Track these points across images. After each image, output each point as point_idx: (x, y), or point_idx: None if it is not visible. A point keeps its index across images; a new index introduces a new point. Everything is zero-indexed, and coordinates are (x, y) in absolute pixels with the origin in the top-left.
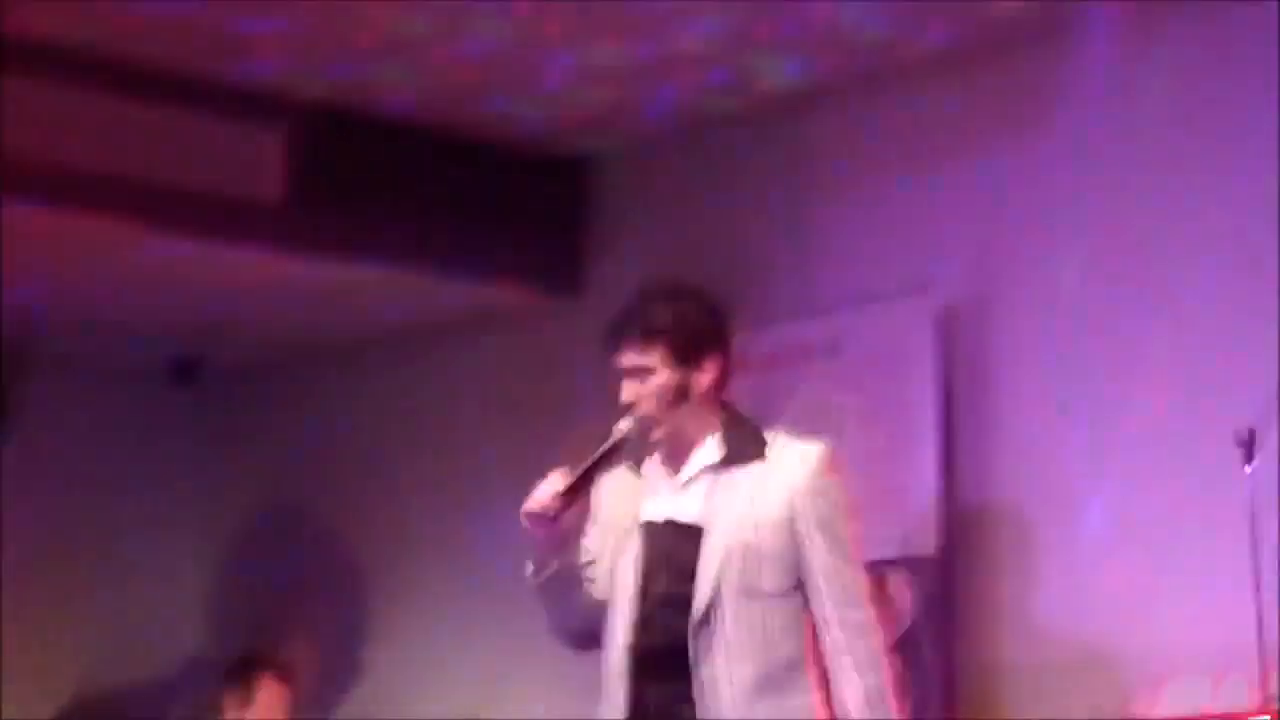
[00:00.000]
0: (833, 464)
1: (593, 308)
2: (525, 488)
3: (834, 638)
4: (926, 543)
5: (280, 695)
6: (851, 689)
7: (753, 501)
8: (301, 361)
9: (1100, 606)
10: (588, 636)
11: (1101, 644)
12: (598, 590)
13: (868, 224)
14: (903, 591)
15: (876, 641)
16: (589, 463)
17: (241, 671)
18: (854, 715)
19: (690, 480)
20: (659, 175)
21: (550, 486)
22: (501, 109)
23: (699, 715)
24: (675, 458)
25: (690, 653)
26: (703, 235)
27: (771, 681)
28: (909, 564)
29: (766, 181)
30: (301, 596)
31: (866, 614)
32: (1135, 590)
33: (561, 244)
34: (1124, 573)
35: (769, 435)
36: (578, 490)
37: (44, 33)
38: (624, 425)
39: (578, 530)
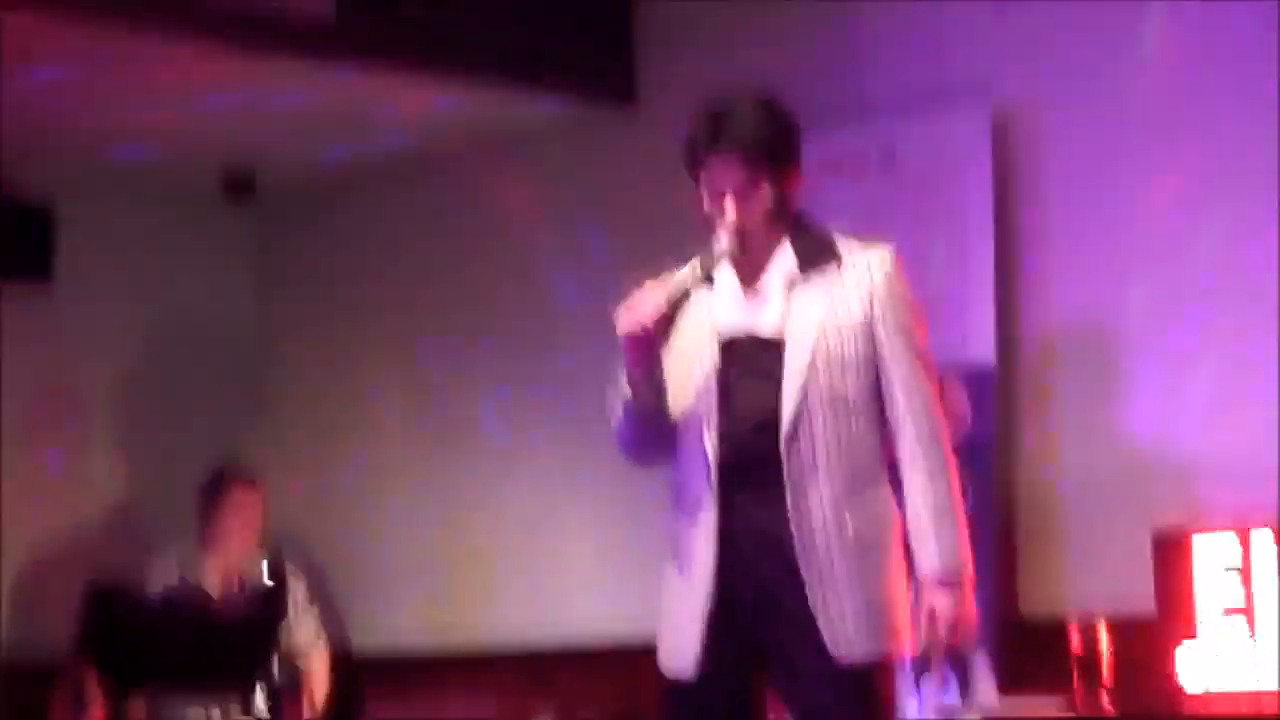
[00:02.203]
0: (901, 266)
1: (646, 115)
2: (588, 297)
3: (910, 446)
4: (984, 351)
5: (248, 502)
6: (923, 496)
7: (831, 308)
8: (354, 178)
9: (1161, 417)
10: (652, 446)
11: (1163, 455)
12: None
13: (921, 27)
14: (960, 397)
15: (947, 449)
16: (688, 280)
17: (215, 483)
18: (925, 523)
19: (765, 291)
20: None
21: (650, 305)
22: None
23: (791, 523)
24: (749, 269)
25: (784, 464)
26: (753, 42)
27: (856, 486)
28: (966, 370)
29: None
30: (358, 409)
31: (938, 422)
32: (1199, 403)
33: (612, 53)
34: (1178, 388)
35: (833, 234)
36: (674, 307)
37: None
38: (725, 244)
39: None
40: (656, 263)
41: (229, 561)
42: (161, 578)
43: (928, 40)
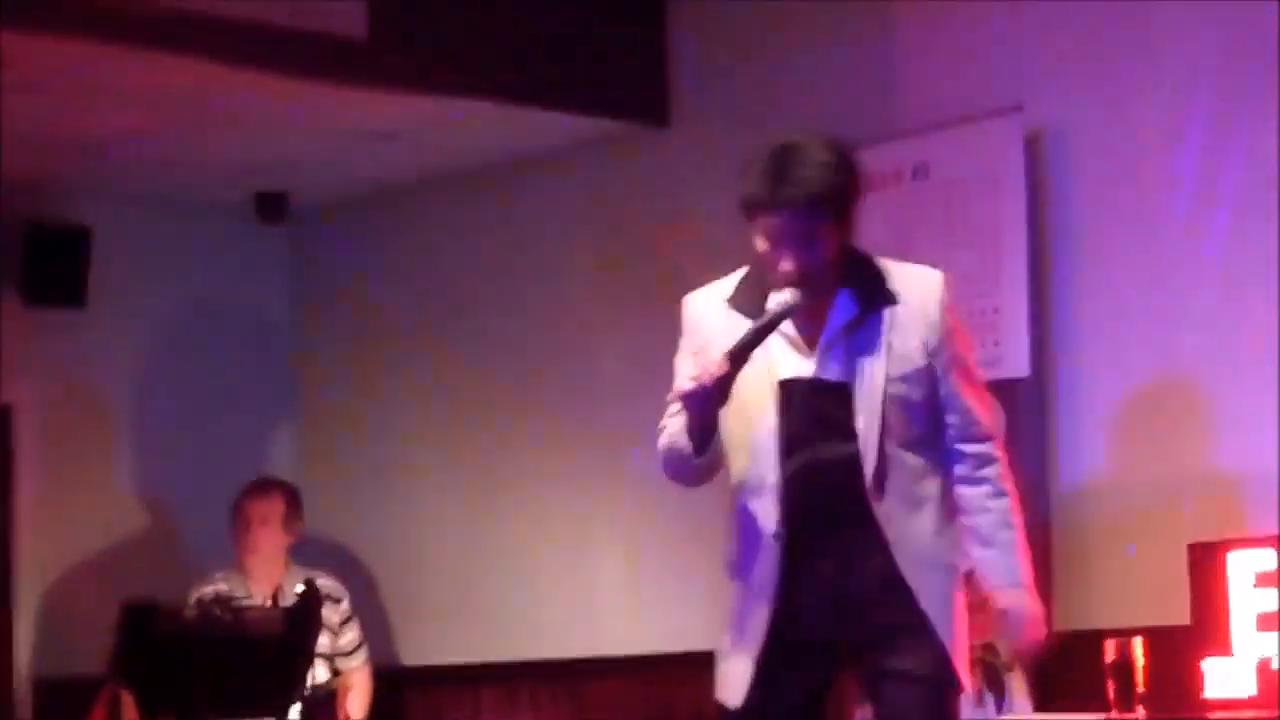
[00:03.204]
0: (951, 291)
1: (681, 135)
2: (620, 319)
3: (968, 468)
4: (1019, 364)
5: (268, 510)
6: (985, 516)
7: (893, 350)
8: (388, 195)
9: (1199, 431)
10: (702, 478)
11: (1199, 469)
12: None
13: (954, 46)
14: (997, 415)
15: (1005, 468)
16: (750, 335)
17: (237, 498)
18: (990, 536)
19: (826, 335)
20: (740, 4)
21: (713, 365)
22: None
23: (899, 560)
24: (806, 313)
25: (871, 509)
26: (786, 60)
27: (936, 520)
28: (1001, 386)
29: (847, 7)
30: (394, 425)
31: (995, 444)
32: (1231, 412)
33: (647, 75)
34: (1214, 398)
35: (884, 266)
36: (739, 363)
37: None
38: (789, 296)
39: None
40: (688, 286)
41: (265, 571)
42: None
43: (962, 57)
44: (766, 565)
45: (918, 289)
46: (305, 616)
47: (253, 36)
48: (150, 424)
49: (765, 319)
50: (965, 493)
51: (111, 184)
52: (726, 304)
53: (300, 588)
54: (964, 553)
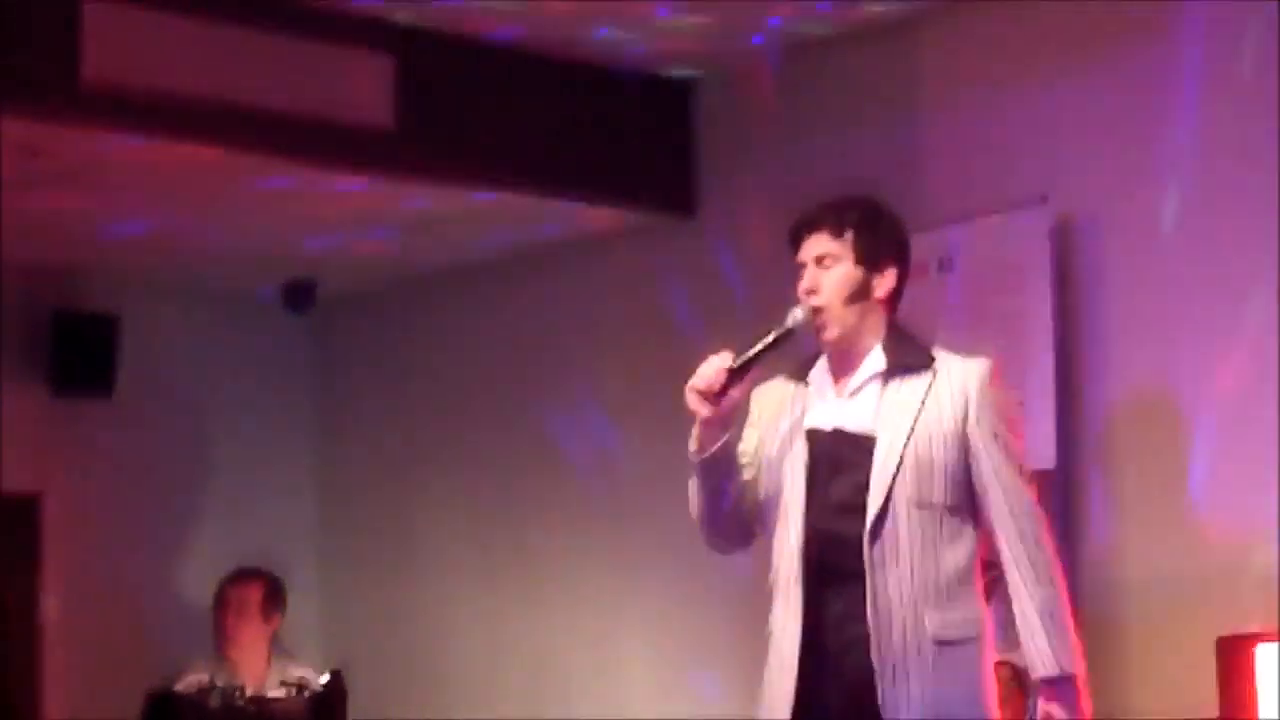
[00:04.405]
0: (999, 377)
1: (708, 226)
2: (645, 406)
3: (1012, 549)
4: (1045, 456)
5: (244, 598)
6: (1031, 601)
7: (924, 412)
8: (414, 285)
9: (1227, 521)
10: (732, 532)
11: (1229, 558)
12: (757, 491)
13: (979, 138)
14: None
15: (1052, 553)
16: (760, 346)
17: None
18: (1034, 624)
19: (858, 389)
20: (765, 97)
21: (717, 364)
22: (608, 35)
23: (869, 620)
24: (842, 365)
25: (865, 559)
26: (812, 153)
27: (939, 592)
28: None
29: (873, 100)
30: (415, 511)
31: (1040, 527)
32: (1253, 510)
33: (673, 166)
34: (1241, 491)
35: (930, 344)
36: (744, 371)
37: None
38: (798, 313)
39: (743, 414)
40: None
41: (246, 660)
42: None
43: (986, 149)
44: (793, 612)
45: (961, 366)
46: (330, 706)
47: (281, 126)
48: (177, 509)
49: (771, 334)
50: (1009, 573)
51: (139, 272)
52: (782, 377)
53: (321, 678)
54: (1008, 641)
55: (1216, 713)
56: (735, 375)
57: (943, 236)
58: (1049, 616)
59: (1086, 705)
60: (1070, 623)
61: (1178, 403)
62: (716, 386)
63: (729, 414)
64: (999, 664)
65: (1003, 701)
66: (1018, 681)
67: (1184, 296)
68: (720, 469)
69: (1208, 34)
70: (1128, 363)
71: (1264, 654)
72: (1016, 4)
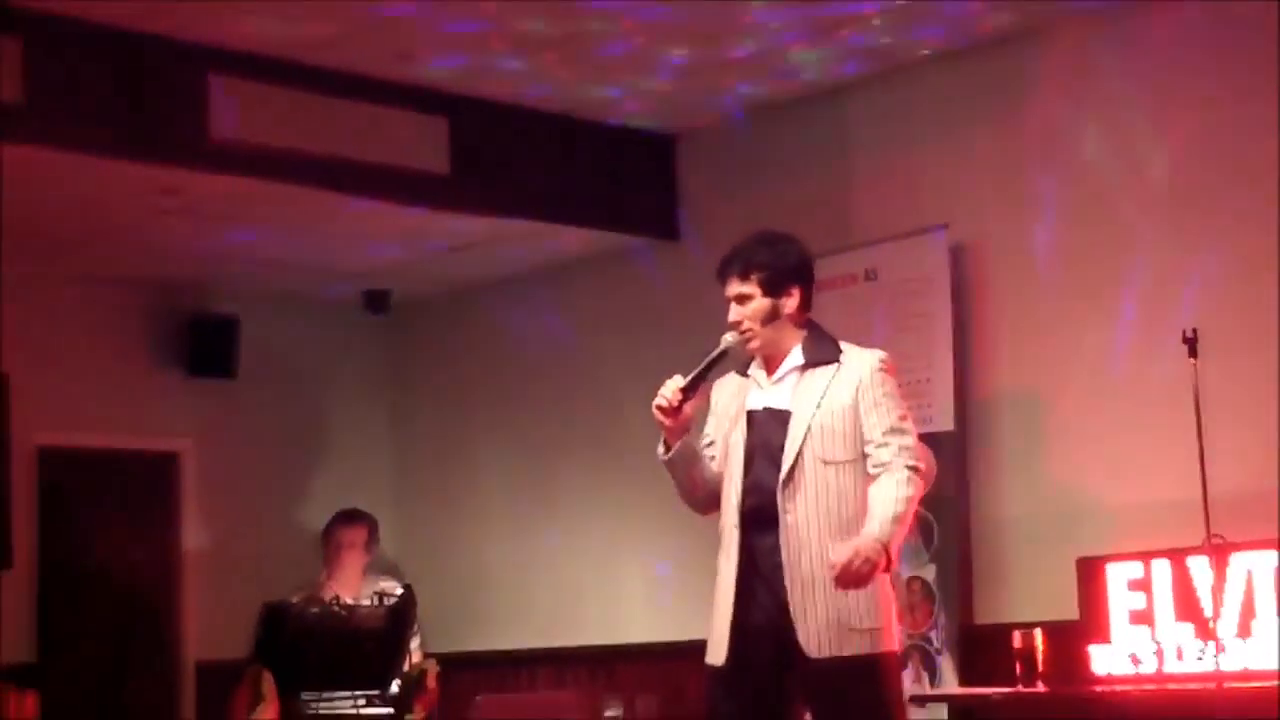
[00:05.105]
0: (890, 365)
1: (688, 247)
2: (644, 388)
3: (881, 455)
4: (946, 421)
5: (352, 536)
6: (883, 490)
7: (827, 392)
8: (465, 292)
9: (1082, 472)
10: (708, 502)
11: (1084, 501)
12: (717, 464)
13: (895, 178)
14: (930, 459)
15: (920, 470)
16: (701, 367)
17: (327, 525)
18: (875, 505)
19: (781, 378)
20: (734, 146)
21: (673, 385)
22: (614, 96)
23: (783, 553)
24: (772, 363)
25: (778, 504)
26: (769, 189)
27: (840, 527)
28: (933, 438)
29: (815, 148)
30: (471, 476)
31: (914, 450)
32: (1108, 459)
33: (662, 200)
34: (1093, 449)
35: (843, 345)
36: (693, 388)
37: (252, 41)
38: (729, 338)
39: (699, 420)
40: (698, 359)
41: (348, 580)
42: (299, 598)
43: (903, 186)
44: (730, 554)
45: (858, 357)
46: (403, 613)
47: (360, 171)
48: (284, 464)
49: (707, 358)
50: (878, 480)
51: (254, 284)
52: (734, 373)
53: (398, 589)
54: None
55: (1077, 616)
56: (687, 392)
57: (869, 254)
58: (890, 504)
59: (873, 558)
60: (905, 523)
61: (1046, 382)
62: (675, 402)
63: (686, 422)
64: (912, 578)
65: (912, 609)
66: (926, 591)
67: (1051, 303)
68: (686, 463)
69: (1067, 97)
70: (1008, 353)
71: (1113, 571)
72: (923, 74)
